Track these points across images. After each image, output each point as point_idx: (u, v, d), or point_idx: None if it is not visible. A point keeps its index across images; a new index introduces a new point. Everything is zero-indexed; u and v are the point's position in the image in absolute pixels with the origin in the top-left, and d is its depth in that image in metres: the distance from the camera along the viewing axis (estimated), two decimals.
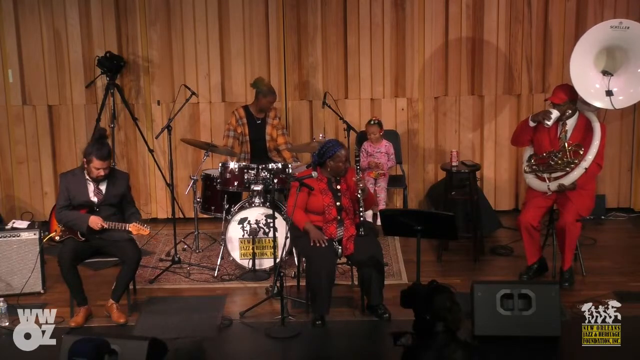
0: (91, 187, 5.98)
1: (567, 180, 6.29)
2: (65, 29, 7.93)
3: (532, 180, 6.47)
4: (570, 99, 6.31)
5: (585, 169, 6.24)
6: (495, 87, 8.06)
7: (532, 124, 6.36)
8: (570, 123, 6.35)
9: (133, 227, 5.89)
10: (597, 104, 6.46)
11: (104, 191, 5.98)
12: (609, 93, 6.41)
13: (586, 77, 6.47)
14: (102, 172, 5.90)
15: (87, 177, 5.97)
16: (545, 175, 6.36)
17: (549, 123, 6.25)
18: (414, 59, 8.00)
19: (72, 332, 5.06)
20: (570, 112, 6.33)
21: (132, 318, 6.02)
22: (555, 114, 6.24)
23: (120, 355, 4.61)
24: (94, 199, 5.97)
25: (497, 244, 7.33)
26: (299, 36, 7.97)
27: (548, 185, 6.36)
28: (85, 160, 5.92)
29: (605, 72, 6.50)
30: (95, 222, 5.87)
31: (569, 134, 6.33)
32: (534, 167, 6.43)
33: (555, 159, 6.31)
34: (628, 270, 6.78)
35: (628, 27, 6.44)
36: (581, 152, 6.25)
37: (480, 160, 8.06)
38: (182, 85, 7.54)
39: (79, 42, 7.95)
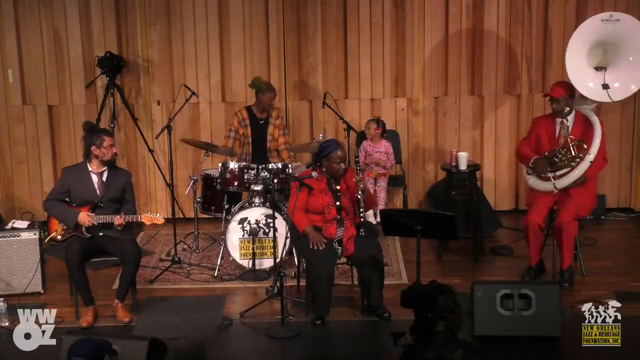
0: (95, 179, 6.02)
1: (575, 176, 6.24)
2: (65, 28, 7.93)
3: (535, 181, 6.43)
4: (568, 94, 6.32)
5: (591, 162, 6.22)
6: (495, 87, 8.05)
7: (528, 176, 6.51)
8: (569, 120, 6.35)
9: (146, 218, 5.99)
10: (596, 98, 6.44)
11: (105, 182, 6.03)
12: (605, 86, 6.40)
13: (582, 72, 6.46)
14: (114, 149, 6.04)
15: (91, 169, 6.01)
16: (550, 175, 6.33)
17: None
18: (414, 59, 7.99)
19: (72, 332, 5.04)
20: (568, 109, 6.33)
21: (133, 317, 6.02)
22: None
23: (120, 355, 4.60)
24: (99, 192, 5.99)
25: (497, 244, 7.32)
26: (299, 36, 7.97)
27: (554, 184, 6.31)
28: (94, 147, 5.96)
29: (598, 68, 6.49)
30: (85, 218, 5.90)
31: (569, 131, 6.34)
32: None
33: (560, 155, 6.29)
34: (628, 270, 6.77)
35: (618, 20, 6.45)
36: (585, 147, 6.25)
37: (480, 160, 8.05)
38: (182, 85, 7.53)
39: (79, 42, 7.95)
